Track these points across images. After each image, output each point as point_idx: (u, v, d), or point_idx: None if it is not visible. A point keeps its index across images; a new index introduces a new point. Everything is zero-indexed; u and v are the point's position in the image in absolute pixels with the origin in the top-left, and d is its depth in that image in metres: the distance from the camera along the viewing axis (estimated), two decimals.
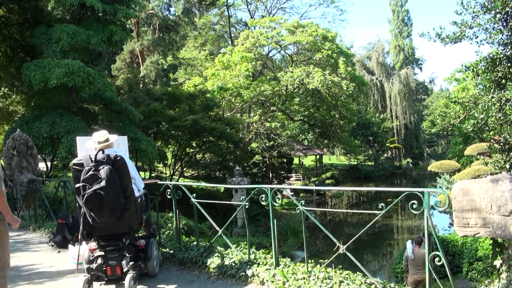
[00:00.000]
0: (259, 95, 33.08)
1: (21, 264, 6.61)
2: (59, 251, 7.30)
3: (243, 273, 5.27)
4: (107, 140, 5.27)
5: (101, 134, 5.30)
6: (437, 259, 3.97)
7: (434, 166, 25.40)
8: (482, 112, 8.17)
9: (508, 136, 8.18)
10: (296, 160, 48.72)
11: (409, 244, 10.42)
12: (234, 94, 32.90)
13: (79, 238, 5.14)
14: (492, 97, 8.23)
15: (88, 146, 5.32)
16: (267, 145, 34.83)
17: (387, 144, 59.79)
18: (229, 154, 27.60)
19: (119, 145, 5.69)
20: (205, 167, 30.00)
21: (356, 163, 56.53)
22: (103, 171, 4.61)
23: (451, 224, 20.35)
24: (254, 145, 36.17)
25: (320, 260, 5.14)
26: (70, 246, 6.43)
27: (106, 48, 25.10)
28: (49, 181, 14.98)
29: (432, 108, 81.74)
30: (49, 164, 21.27)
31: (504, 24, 7.99)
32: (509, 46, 8.08)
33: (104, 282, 5.27)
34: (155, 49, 38.46)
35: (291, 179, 43.17)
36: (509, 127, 8.17)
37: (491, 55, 8.30)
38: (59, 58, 17.06)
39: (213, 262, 5.67)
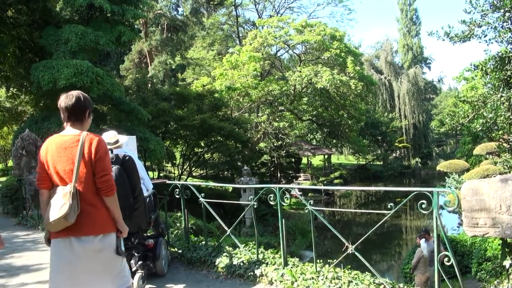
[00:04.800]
0: (267, 94, 33.07)
1: (30, 263, 6.65)
2: None
3: (252, 273, 5.27)
4: (116, 141, 5.28)
5: (111, 135, 5.30)
6: (446, 259, 3.96)
7: (443, 165, 25.25)
8: (491, 111, 8.13)
9: None
10: (304, 160, 48.58)
11: (423, 243, 10.31)
12: (242, 94, 32.93)
13: None
14: (501, 96, 8.19)
15: None
16: (275, 144, 34.75)
17: (396, 144, 59.48)
18: (237, 153, 27.62)
19: (128, 145, 5.69)
20: (213, 166, 30.07)
21: (364, 162, 56.24)
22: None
23: (460, 224, 20.25)
24: (262, 144, 36.16)
25: (328, 260, 5.13)
26: None
27: (114, 49, 25.13)
28: None
29: (441, 108, 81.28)
30: None
31: None
32: None
33: None
34: (163, 49, 38.54)
35: (299, 178, 43.05)
36: None
37: (500, 54, 8.26)
38: (68, 59, 17.11)
39: (222, 261, 5.68)
